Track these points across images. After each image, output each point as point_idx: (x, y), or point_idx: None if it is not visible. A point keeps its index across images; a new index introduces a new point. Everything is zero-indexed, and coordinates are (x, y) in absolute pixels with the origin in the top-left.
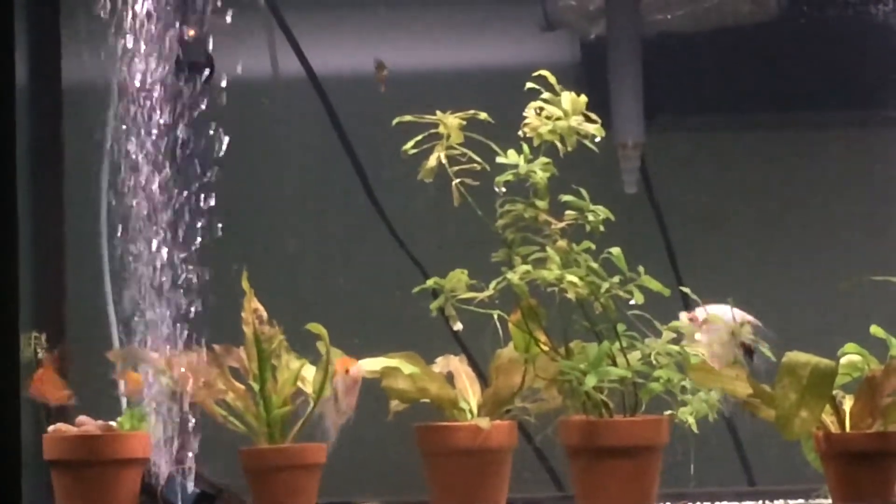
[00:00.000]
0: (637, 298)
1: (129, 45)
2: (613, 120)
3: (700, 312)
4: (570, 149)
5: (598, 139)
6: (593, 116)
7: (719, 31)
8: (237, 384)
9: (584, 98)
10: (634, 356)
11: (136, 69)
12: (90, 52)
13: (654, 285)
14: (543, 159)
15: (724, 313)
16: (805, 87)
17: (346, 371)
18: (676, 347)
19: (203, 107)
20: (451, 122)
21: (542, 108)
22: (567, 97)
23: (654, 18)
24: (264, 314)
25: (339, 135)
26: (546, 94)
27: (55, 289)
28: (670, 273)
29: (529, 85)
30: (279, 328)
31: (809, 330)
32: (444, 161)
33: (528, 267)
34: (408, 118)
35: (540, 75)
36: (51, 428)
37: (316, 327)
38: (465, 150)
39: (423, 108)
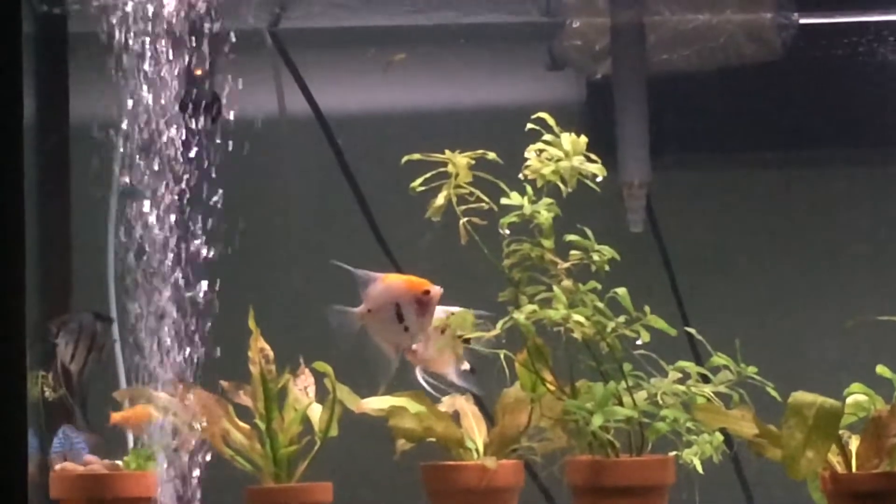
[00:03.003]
0: (643, 337)
1: (136, 83)
2: (619, 159)
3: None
4: (570, 189)
5: (599, 179)
6: (593, 157)
7: (724, 70)
8: (242, 423)
9: (584, 139)
10: (640, 396)
11: (143, 107)
12: (98, 89)
13: (660, 325)
14: (547, 200)
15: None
16: (810, 126)
17: (427, 293)
18: (682, 387)
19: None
20: (459, 161)
21: (542, 150)
22: (567, 138)
23: (660, 58)
24: (271, 353)
25: (346, 173)
26: (547, 136)
27: None
28: (676, 312)
29: (529, 126)
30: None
31: (815, 369)
32: (453, 199)
33: (535, 306)
34: (416, 156)
35: (539, 118)
36: (57, 467)
37: (322, 366)
38: (472, 189)
39: (429, 146)
